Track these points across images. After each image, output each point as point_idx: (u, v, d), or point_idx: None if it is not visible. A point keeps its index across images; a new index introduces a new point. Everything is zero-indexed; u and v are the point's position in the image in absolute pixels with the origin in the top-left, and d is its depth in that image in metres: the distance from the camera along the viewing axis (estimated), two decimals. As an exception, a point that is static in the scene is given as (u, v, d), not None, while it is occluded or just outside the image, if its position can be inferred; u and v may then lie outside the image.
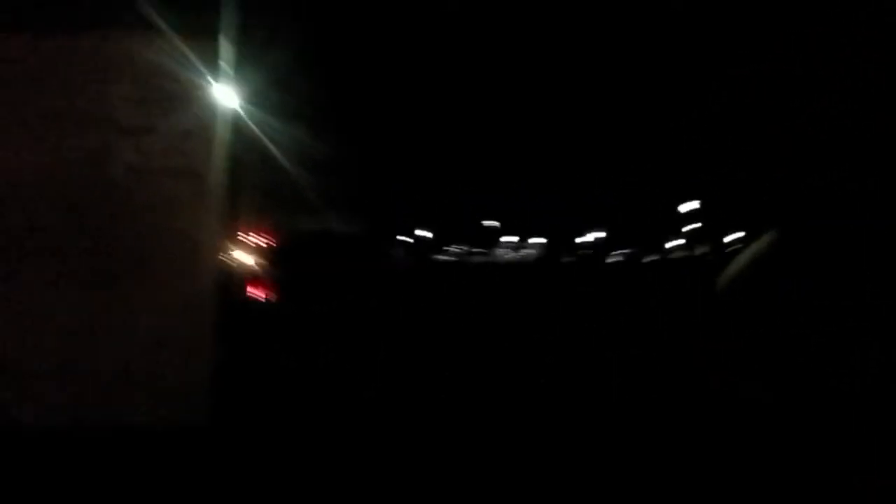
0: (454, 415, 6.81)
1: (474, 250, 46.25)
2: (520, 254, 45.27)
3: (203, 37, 6.83)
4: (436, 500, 4.92)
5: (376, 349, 10.10)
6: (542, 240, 45.99)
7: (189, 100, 6.78)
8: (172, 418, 5.91)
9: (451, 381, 8.15)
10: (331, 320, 12.51)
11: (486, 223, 47.08)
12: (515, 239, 47.41)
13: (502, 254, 46.59)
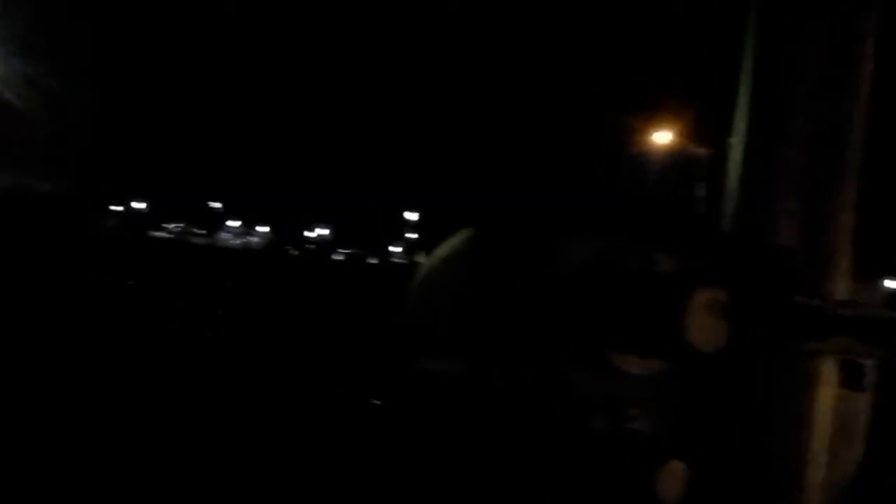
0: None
1: (196, 230, 44.10)
2: (244, 241, 43.96)
3: None
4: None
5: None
6: (268, 228, 45.05)
7: None
8: None
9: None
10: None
11: (212, 204, 45.18)
12: (239, 224, 45.93)
13: (226, 238, 44.91)
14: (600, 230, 0.70)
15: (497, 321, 0.72)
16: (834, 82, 0.73)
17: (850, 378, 0.84)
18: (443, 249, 0.83)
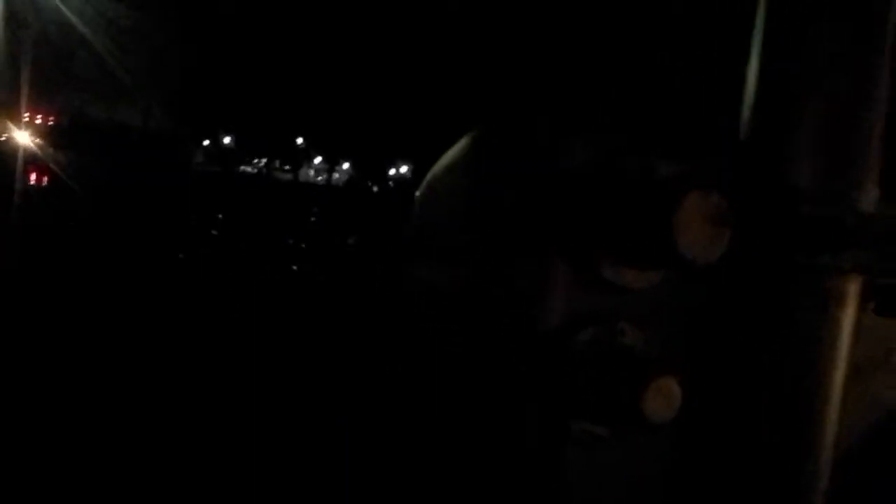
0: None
1: (280, 166, 44.97)
2: (328, 176, 44.63)
3: None
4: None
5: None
6: (348, 165, 45.48)
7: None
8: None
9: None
10: (116, 223, 11.64)
11: (299, 140, 45.86)
12: (321, 160, 46.51)
13: (309, 173, 45.70)
14: (602, 131, 0.66)
15: (496, 224, 0.69)
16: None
17: (884, 302, 0.78)
18: (448, 156, 0.80)
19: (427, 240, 0.77)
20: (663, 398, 0.61)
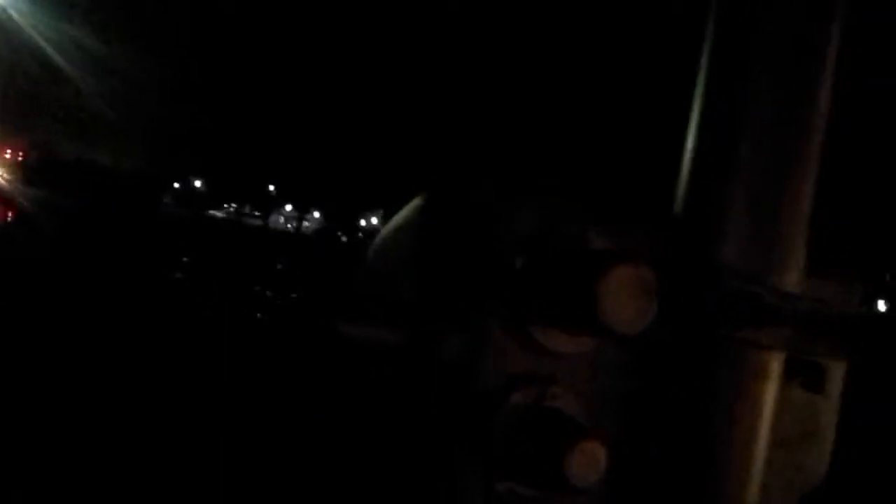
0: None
1: (252, 212, 44.82)
2: (298, 224, 44.53)
3: None
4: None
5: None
6: (319, 214, 45.52)
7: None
8: None
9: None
10: (84, 258, 11.48)
11: (270, 187, 45.81)
12: (292, 208, 46.51)
13: (278, 220, 45.60)
14: (544, 199, 0.69)
15: (437, 287, 0.71)
16: (795, 66, 0.70)
17: (809, 378, 0.81)
18: (397, 218, 0.82)
19: (370, 296, 0.79)
20: (588, 461, 0.63)
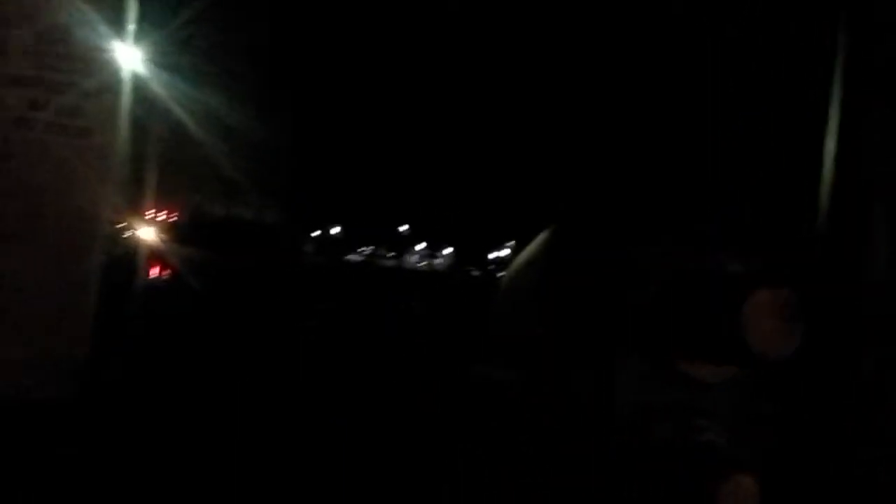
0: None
1: (386, 254, 46.04)
2: (430, 262, 45.31)
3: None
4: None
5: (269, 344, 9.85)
6: (452, 249, 46.13)
7: (90, 60, 6.41)
8: (50, 393, 5.62)
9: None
10: (233, 312, 12.13)
11: (401, 228, 46.94)
12: (424, 246, 47.42)
13: (413, 260, 46.55)
14: (670, 235, 0.68)
15: (566, 327, 0.71)
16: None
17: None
18: (524, 254, 0.83)
19: (500, 337, 0.80)
20: (740, 496, 0.61)
